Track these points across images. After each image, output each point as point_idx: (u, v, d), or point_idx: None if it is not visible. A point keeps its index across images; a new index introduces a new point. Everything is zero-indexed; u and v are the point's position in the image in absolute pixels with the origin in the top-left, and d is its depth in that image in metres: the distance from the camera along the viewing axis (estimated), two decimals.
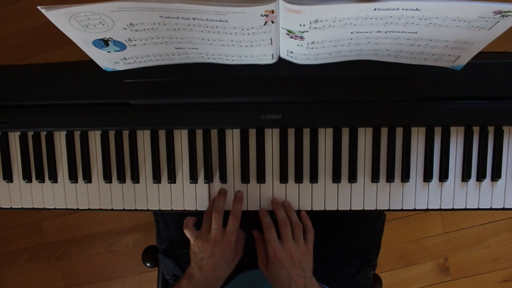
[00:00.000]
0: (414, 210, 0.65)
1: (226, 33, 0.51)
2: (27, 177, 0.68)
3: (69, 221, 1.41)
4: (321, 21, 0.47)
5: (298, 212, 0.66)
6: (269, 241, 0.61)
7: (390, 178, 0.64)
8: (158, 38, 0.53)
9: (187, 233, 0.63)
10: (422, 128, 0.64)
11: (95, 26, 0.50)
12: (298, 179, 0.65)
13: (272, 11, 0.46)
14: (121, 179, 0.67)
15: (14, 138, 0.68)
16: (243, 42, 0.53)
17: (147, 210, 0.68)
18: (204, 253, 0.61)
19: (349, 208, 0.65)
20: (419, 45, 0.54)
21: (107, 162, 0.67)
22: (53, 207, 0.69)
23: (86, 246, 1.42)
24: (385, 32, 0.51)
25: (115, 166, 0.67)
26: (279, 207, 0.64)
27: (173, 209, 0.67)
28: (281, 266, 0.60)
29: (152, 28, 0.51)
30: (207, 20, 0.48)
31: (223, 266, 0.61)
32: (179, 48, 0.56)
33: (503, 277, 1.35)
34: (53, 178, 0.68)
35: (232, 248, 0.62)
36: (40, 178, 0.68)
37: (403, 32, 0.51)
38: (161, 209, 0.68)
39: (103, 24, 0.49)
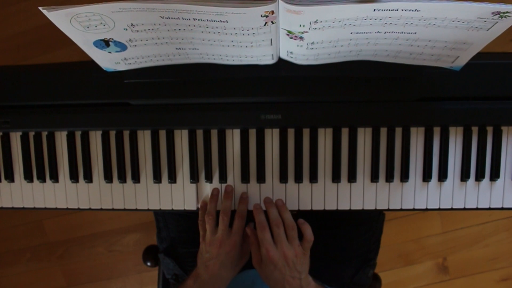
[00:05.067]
0: (413, 209, 0.65)
1: (226, 33, 0.51)
2: (28, 177, 0.69)
3: (70, 220, 1.41)
4: (321, 21, 0.48)
5: (298, 212, 0.66)
6: (262, 241, 0.60)
7: (389, 178, 0.64)
8: (158, 38, 0.54)
9: (200, 225, 0.64)
10: (421, 128, 0.64)
11: (96, 26, 0.50)
12: (298, 179, 0.65)
13: (272, 12, 0.47)
14: (122, 179, 0.67)
15: (15, 138, 0.69)
16: (243, 42, 0.53)
17: (148, 210, 0.68)
18: (210, 254, 0.61)
19: (348, 208, 0.66)
20: (418, 46, 0.54)
21: (108, 162, 0.67)
22: (54, 207, 0.70)
23: (87, 246, 1.42)
24: (385, 32, 0.51)
25: (115, 166, 0.67)
26: (271, 206, 0.63)
27: (174, 208, 0.68)
28: (274, 267, 0.59)
29: (152, 29, 0.51)
30: (207, 20, 0.49)
31: (228, 266, 0.62)
32: (180, 48, 0.56)
33: (501, 276, 1.35)
34: (54, 178, 0.68)
35: (237, 249, 0.62)
36: (41, 178, 0.68)
37: (402, 32, 0.51)
38: (162, 208, 0.68)
39: (104, 25, 0.50)
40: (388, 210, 0.66)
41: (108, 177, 0.67)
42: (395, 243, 1.35)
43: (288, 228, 0.61)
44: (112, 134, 0.67)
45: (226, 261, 0.61)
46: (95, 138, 0.67)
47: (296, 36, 0.51)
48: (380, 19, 0.48)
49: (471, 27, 0.48)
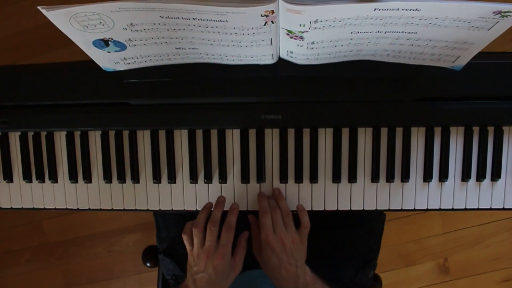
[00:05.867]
0: (414, 210, 0.65)
1: (226, 33, 0.51)
2: (27, 177, 0.68)
3: (69, 221, 1.41)
4: (321, 21, 0.47)
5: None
6: (263, 226, 0.61)
7: (390, 178, 0.64)
8: (158, 38, 0.53)
9: (184, 239, 0.62)
10: (422, 128, 0.64)
11: (95, 26, 0.50)
12: (298, 179, 0.65)
13: (272, 11, 0.46)
14: (121, 179, 0.67)
15: (14, 138, 0.69)
16: (243, 42, 0.53)
17: (147, 210, 0.68)
18: (198, 267, 0.59)
19: (349, 208, 0.66)
20: (419, 45, 0.54)
21: (107, 162, 0.67)
22: (53, 207, 0.70)
23: (86, 246, 1.42)
24: (385, 32, 0.51)
25: (115, 166, 0.67)
26: (269, 197, 0.64)
27: (173, 209, 0.67)
28: (272, 252, 0.60)
29: (152, 28, 0.51)
30: (207, 20, 0.49)
31: (216, 281, 0.60)
32: (179, 48, 0.56)
33: (502, 277, 1.35)
34: (53, 178, 0.68)
35: (226, 261, 0.60)
36: (40, 178, 0.68)
37: (403, 32, 0.51)
38: (161, 209, 0.68)
39: (103, 24, 0.49)
40: (389, 210, 0.66)
41: (107, 177, 0.67)
42: (396, 243, 1.35)
43: (284, 215, 0.62)
44: (112, 134, 0.67)
45: (214, 275, 0.59)
46: (95, 138, 0.67)
47: (296, 36, 0.51)
48: (381, 19, 0.48)
49: (472, 26, 0.48)
